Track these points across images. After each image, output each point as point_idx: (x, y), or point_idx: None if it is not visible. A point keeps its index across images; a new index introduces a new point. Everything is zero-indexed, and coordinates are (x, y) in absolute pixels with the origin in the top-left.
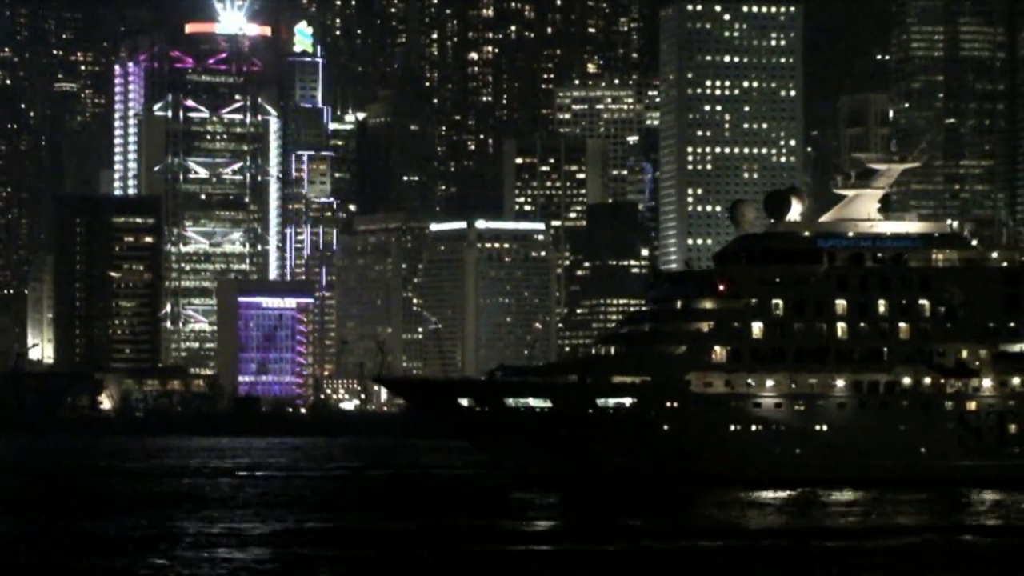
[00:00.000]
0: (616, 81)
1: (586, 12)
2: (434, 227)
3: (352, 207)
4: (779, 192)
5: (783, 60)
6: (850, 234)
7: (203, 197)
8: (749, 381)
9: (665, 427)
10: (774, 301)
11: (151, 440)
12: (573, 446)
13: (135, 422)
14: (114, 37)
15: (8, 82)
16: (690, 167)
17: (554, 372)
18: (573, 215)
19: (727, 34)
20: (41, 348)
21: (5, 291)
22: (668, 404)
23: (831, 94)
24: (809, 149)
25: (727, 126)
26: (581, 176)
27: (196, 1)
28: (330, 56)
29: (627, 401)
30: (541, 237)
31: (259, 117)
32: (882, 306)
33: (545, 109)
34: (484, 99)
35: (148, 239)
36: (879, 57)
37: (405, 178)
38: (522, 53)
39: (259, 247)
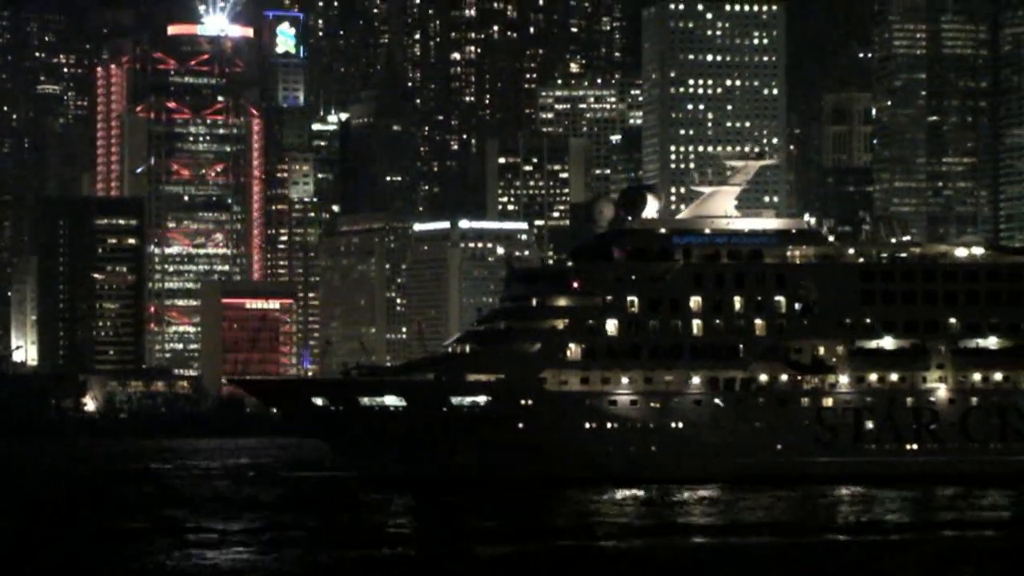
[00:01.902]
0: (599, 80)
1: (568, 12)
2: (417, 227)
3: (335, 207)
4: (634, 189)
5: (766, 59)
6: (706, 231)
7: (186, 199)
8: (604, 378)
9: (520, 425)
10: (629, 298)
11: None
12: (428, 445)
13: (119, 423)
14: (96, 39)
15: None
16: (673, 166)
17: (410, 371)
18: (556, 214)
19: (709, 33)
20: (24, 350)
21: None
22: (522, 402)
23: (814, 92)
24: (792, 147)
25: (710, 125)
26: (564, 176)
27: (178, 3)
28: (313, 57)
29: (482, 399)
30: (524, 237)
31: (242, 118)
32: (738, 303)
33: (528, 109)
34: (467, 99)
35: (131, 241)
36: (862, 55)
37: (388, 178)
38: (505, 53)
39: (242, 248)
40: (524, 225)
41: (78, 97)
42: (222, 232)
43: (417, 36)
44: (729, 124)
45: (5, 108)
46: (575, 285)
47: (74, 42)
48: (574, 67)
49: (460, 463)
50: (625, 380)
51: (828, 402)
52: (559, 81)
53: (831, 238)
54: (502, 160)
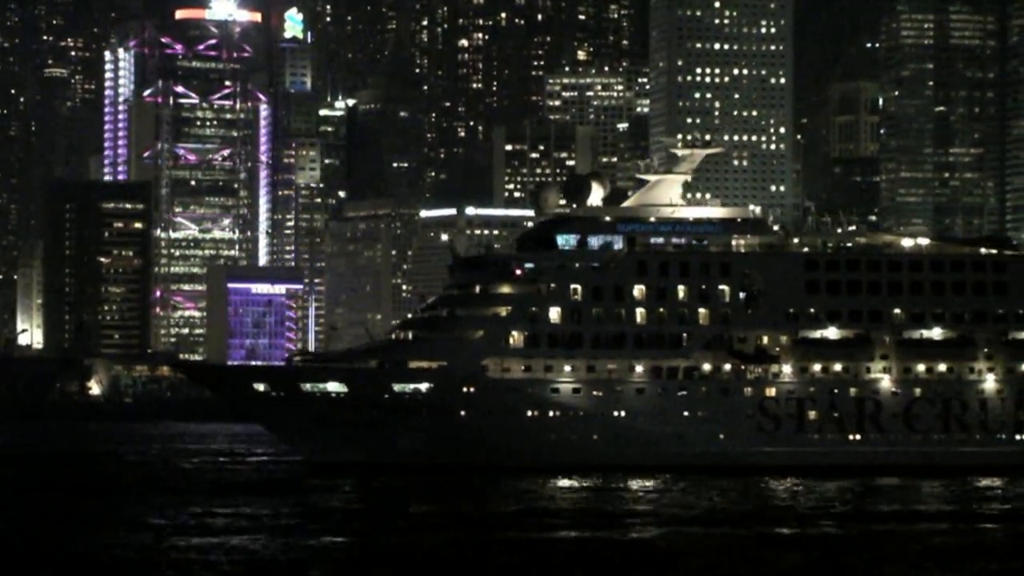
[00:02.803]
0: (606, 68)
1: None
2: (424, 213)
3: (342, 193)
4: (579, 176)
5: (773, 48)
6: (651, 219)
7: (193, 183)
8: (546, 366)
9: (462, 413)
10: (572, 286)
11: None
12: (370, 432)
13: (124, 408)
14: (104, 23)
15: None
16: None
17: (353, 357)
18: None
19: (717, 21)
20: (30, 333)
21: None
22: (464, 389)
23: (821, 82)
24: (799, 137)
25: (717, 113)
26: (571, 163)
27: None
28: (320, 42)
29: (424, 386)
30: (531, 224)
31: (249, 103)
32: (681, 291)
33: (535, 96)
34: (474, 86)
35: (137, 225)
36: (869, 45)
37: (395, 164)
38: (512, 40)
39: (248, 233)
40: (530, 212)
41: (85, 81)
42: (229, 217)
43: (425, 22)
44: (736, 113)
45: (12, 91)
46: (518, 273)
47: (82, 26)
48: (581, 55)
49: (402, 450)
50: (568, 368)
51: (771, 392)
52: (566, 68)
53: (776, 227)
54: (509, 147)
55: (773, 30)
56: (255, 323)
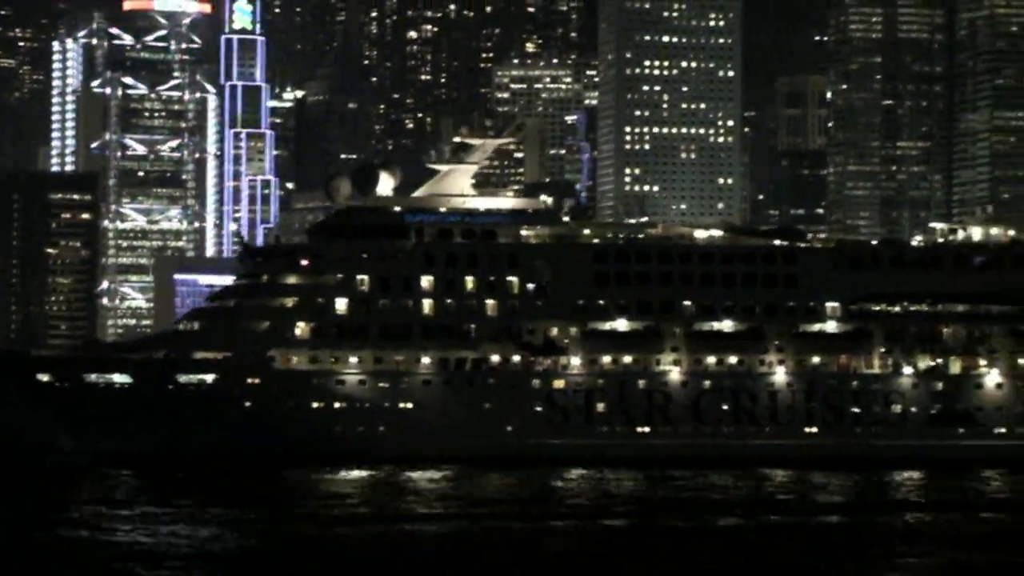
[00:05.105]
0: (555, 60)
1: None
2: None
3: (290, 185)
4: (367, 166)
5: (722, 40)
6: (441, 209)
7: (141, 174)
8: (333, 358)
9: (247, 404)
10: (359, 277)
11: None
12: (155, 424)
13: None
14: (53, 14)
15: None
16: (628, 147)
17: (142, 347)
18: (511, 194)
19: (666, 14)
20: None
21: None
22: (250, 381)
23: (770, 75)
24: (747, 130)
25: (665, 106)
26: (519, 155)
27: None
28: (269, 34)
29: (209, 378)
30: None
31: (197, 94)
32: (469, 282)
33: (484, 88)
34: (423, 78)
35: (85, 216)
36: (818, 38)
37: (343, 156)
38: (461, 32)
39: (196, 224)
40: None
41: (34, 71)
42: (177, 208)
43: (373, 14)
44: (684, 105)
45: None
46: (305, 263)
47: (30, 16)
48: (530, 47)
49: (189, 442)
50: (354, 360)
51: (559, 384)
52: (515, 60)
53: (566, 219)
54: (457, 139)
55: (722, 23)
56: None
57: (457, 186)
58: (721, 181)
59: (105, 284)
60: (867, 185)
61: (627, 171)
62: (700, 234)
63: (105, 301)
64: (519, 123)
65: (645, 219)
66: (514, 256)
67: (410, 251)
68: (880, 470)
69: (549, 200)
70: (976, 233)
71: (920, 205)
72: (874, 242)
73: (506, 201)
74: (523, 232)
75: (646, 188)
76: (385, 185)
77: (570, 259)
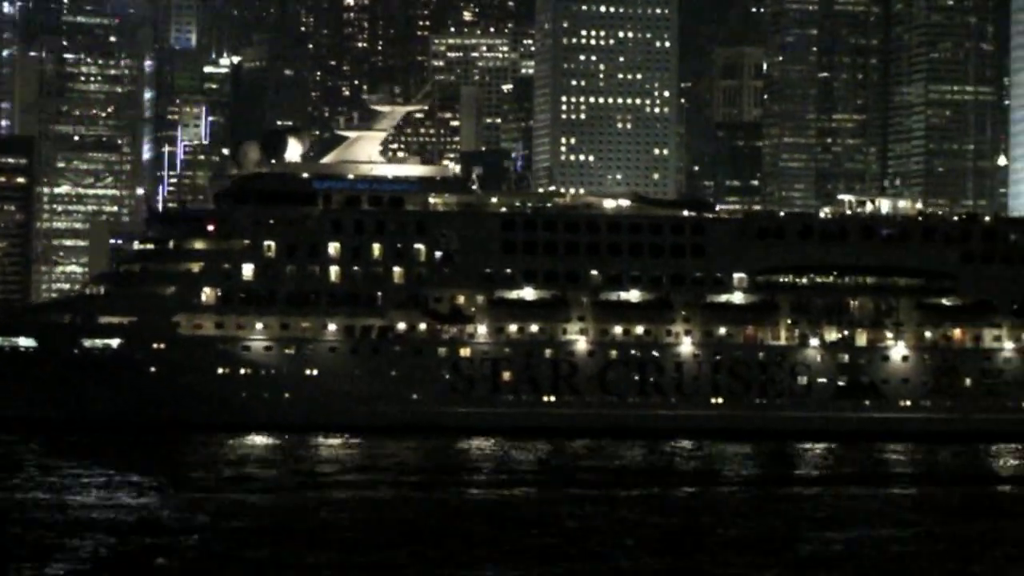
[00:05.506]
0: (492, 29)
1: None
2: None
3: (225, 151)
4: (275, 131)
5: (658, 11)
6: (349, 176)
7: (76, 139)
8: (239, 324)
9: (152, 369)
10: (266, 243)
11: None
12: (60, 388)
13: None
14: None
15: None
16: (564, 116)
17: (47, 311)
18: (446, 162)
19: None
20: None
21: None
22: (155, 346)
23: (706, 46)
24: (683, 100)
25: (601, 76)
26: (455, 124)
27: None
28: None
29: (114, 342)
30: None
31: (133, 60)
32: (376, 250)
33: (420, 56)
34: (359, 45)
35: (20, 180)
36: (754, 10)
37: (279, 123)
38: (398, 0)
39: (131, 190)
40: (416, 170)
41: None
42: (112, 173)
43: None
44: (621, 76)
45: None
46: (211, 228)
47: None
48: (467, 15)
49: (92, 406)
50: (260, 326)
51: (466, 352)
52: (452, 29)
53: (475, 187)
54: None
55: None
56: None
57: (365, 153)
58: (657, 152)
59: (39, 249)
60: (802, 157)
61: (563, 140)
62: (608, 204)
63: (40, 265)
64: (427, 90)
65: (553, 188)
66: (421, 224)
67: (317, 218)
68: (785, 441)
69: (456, 168)
70: (884, 206)
71: (855, 177)
72: (782, 213)
73: (415, 168)
74: (431, 200)
75: (581, 158)
76: (294, 151)
77: (477, 227)
